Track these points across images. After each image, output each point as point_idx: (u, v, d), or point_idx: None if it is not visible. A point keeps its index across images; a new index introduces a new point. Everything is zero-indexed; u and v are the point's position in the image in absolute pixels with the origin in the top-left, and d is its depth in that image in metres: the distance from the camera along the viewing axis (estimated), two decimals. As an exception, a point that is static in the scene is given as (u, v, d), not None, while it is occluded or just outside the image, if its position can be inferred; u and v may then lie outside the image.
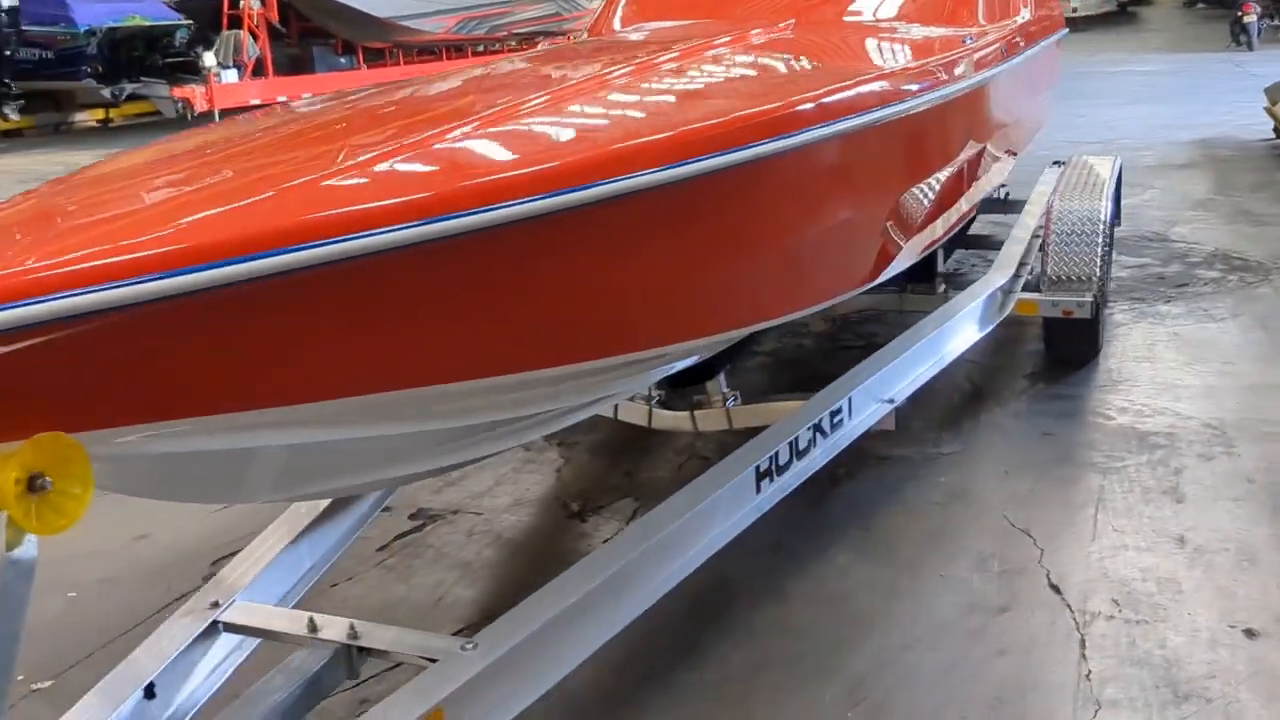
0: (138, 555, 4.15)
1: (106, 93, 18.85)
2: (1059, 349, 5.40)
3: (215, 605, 2.74)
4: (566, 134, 2.79)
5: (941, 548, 3.89)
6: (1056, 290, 5.09)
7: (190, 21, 18.34)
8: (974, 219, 6.14)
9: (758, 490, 3.40)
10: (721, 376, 4.26)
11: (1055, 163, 6.93)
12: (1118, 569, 3.67)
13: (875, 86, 3.63)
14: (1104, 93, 15.13)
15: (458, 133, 2.47)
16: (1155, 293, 6.48)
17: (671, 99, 3.35)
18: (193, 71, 17.82)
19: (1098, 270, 5.05)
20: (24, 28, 17.85)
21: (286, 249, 1.91)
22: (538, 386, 2.67)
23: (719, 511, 3.22)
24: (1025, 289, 5.25)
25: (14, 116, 18.01)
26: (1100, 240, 5.08)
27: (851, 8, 4.79)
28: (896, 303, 5.34)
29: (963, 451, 4.62)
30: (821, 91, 3.41)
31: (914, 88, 3.87)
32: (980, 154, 5.15)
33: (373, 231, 2.00)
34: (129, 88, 18.80)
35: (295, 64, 18.41)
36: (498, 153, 2.58)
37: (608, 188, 2.39)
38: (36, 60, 18.31)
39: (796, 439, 3.58)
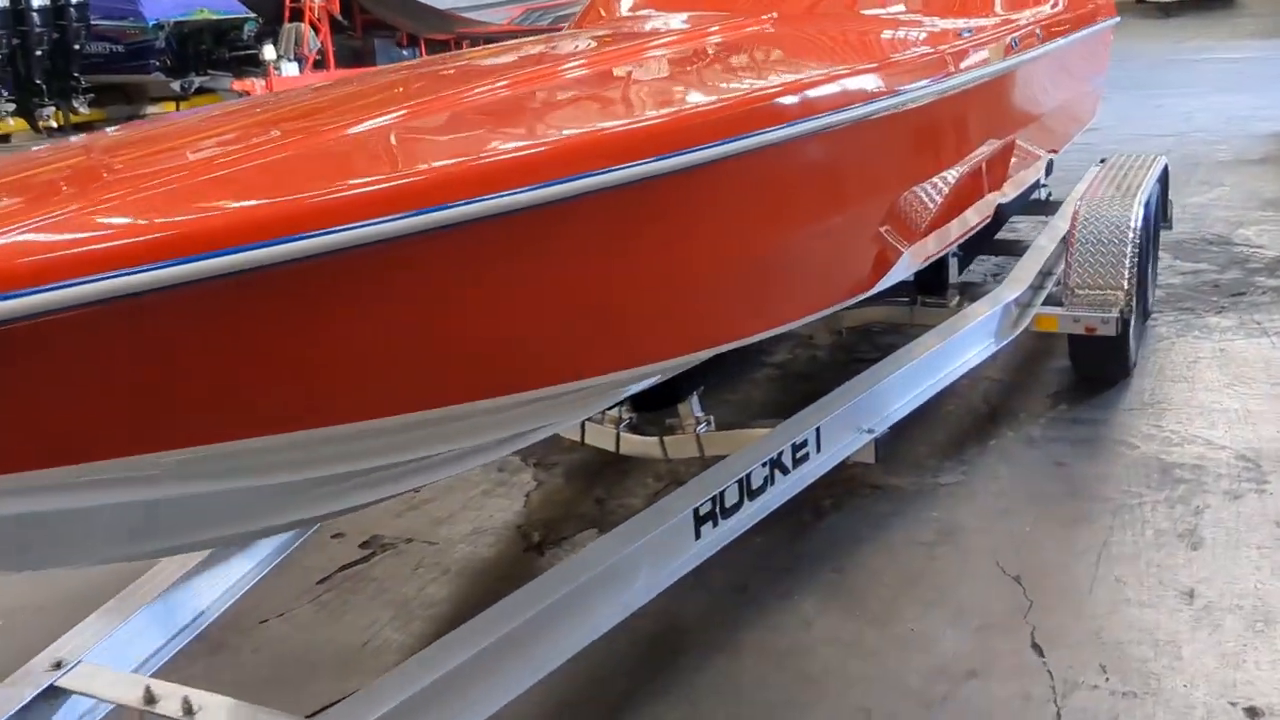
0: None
1: (175, 86, 18.99)
2: (1085, 367, 4.96)
3: (58, 666, 2.50)
4: (451, 141, 2.49)
5: (919, 596, 3.52)
6: (1079, 304, 4.65)
7: (255, 15, 18.41)
8: (1002, 222, 5.71)
9: (697, 536, 3.07)
10: (695, 399, 3.92)
11: (1102, 160, 6.46)
12: (1112, 628, 3.26)
13: (841, 85, 3.27)
14: (1186, 81, 14.37)
15: (346, 135, 2.20)
16: (1206, 302, 5.97)
17: (604, 99, 3.03)
18: (258, 64, 17.85)
19: (1125, 283, 4.59)
20: (93, 22, 18.04)
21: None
22: (429, 427, 2.37)
23: (643, 564, 2.90)
24: (1050, 301, 4.83)
25: (84, 110, 18.21)
26: (1129, 250, 4.63)
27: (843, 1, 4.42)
28: (907, 315, 4.93)
29: (963, 482, 4.22)
30: (777, 89, 3.07)
31: (892, 85, 3.49)
32: (1001, 152, 4.74)
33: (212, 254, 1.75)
34: (197, 81, 18.93)
35: (357, 56, 18.32)
36: (375, 159, 2.30)
37: (459, 210, 2.08)
38: (106, 54, 18.53)
39: (749, 477, 3.24)
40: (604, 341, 2.73)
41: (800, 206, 3.27)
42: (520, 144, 2.38)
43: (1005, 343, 4.54)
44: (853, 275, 3.79)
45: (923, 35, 4.14)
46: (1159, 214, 5.78)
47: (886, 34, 4.13)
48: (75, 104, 18.28)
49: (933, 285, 4.81)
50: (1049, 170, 6.44)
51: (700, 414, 3.91)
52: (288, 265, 1.86)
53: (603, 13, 4.72)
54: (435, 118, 2.60)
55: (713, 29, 3.81)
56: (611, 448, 4.03)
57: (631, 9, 4.58)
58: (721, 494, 3.13)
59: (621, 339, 2.78)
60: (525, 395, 2.55)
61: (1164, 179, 5.83)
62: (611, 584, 2.82)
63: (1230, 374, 5.03)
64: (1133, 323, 4.90)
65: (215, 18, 18.67)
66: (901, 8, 4.40)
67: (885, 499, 4.14)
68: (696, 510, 3.05)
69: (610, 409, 3.84)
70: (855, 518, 4.02)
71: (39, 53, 17.13)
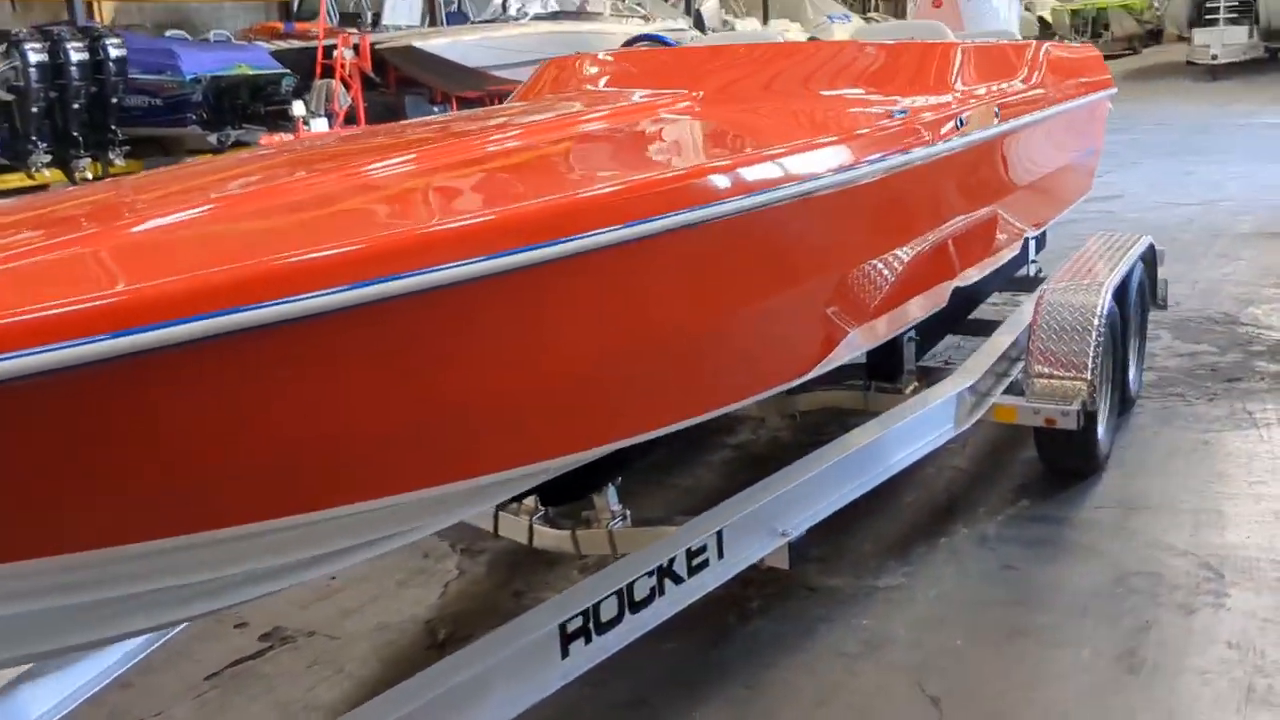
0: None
1: (212, 139, 19.22)
2: (1051, 460, 4.68)
3: None
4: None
5: (829, 717, 3.26)
6: (1039, 395, 4.39)
7: (291, 72, 18.61)
8: (977, 301, 5.48)
9: (564, 654, 2.84)
10: (612, 491, 3.70)
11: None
12: (1027, 763, 2.99)
13: (758, 165, 3.08)
14: (1222, 148, 14.02)
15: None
16: (1199, 388, 5.66)
17: (474, 184, 2.85)
18: (290, 119, 18.01)
19: (1088, 374, 4.33)
20: (131, 76, 18.30)
21: None
22: (223, 545, 2.19)
23: (495, 685, 2.68)
24: (1014, 389, 4.56)
25: (120, 162, 18.45)
26: (1094, 337, 4.36)
27: (788, 77, 4.23)
28: (861, 401, 4.69)
29: (903, 585, 3.96)
30: (681, 171, 2.90)
31: (816, 166, 3.30)
32: (964, 231, 4.51)
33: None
34: (233, 135, 19.13)
35: (390, 111, 18.44)
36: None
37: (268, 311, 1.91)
38: (144, 107, 18.79)
39: (631, 587, 3.01)
40: (469, 442, 2.54)
41: (718, 288, 3.08)
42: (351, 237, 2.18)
43: (957, 434, 4.29)
44: (784, 359, 3.59)
45: (864, 113, 3.93)
46: (1146, 295, 5.50)
47: (823, 111, 3.93)
48: (112, 156, 18.52)
49: (886, 369, 4.56)
50: (1039, 245, 6.20)
51: (616, 507, 3.69)
52: (79, 369, 1.72)
53: (550, 85, 4.59)
54: (273, 206, 2.44)
55: (633, 102, 3.65)
56: (524, 540, 3.82)
57: (577, 83, 4.43)
58: (596, 607, 2.91)
59: (490, 438, 2.59)
60: (373, 504, 2.37)
61: (1150, 258, 5.56)
62: (455, 709, 2.60)
63: (1210, 469, 4.73)
64: (1102, 414, 4.63)
65: (253, 73, 18.89)
66: (857, 87, 4.20)
67: (818, 601, 3.88)
68: (564, 626, 2.83)
69: (523, 499, 3.65)
70: (783, 623, 3.77)
71: (76, 105, 17.37)
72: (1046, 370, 4.39)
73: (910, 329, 4.43)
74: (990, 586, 3.93)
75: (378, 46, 17.21)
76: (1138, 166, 12.62)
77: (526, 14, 19.85)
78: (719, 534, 3.25)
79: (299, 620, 3.97)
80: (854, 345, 3.94)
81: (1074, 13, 32.42)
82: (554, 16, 19.64)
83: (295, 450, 2.13)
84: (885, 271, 3.91)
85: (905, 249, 4.00)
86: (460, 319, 2.34)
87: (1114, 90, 6.61)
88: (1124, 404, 5.18)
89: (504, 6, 20.38)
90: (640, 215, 2.59)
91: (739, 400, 3.52)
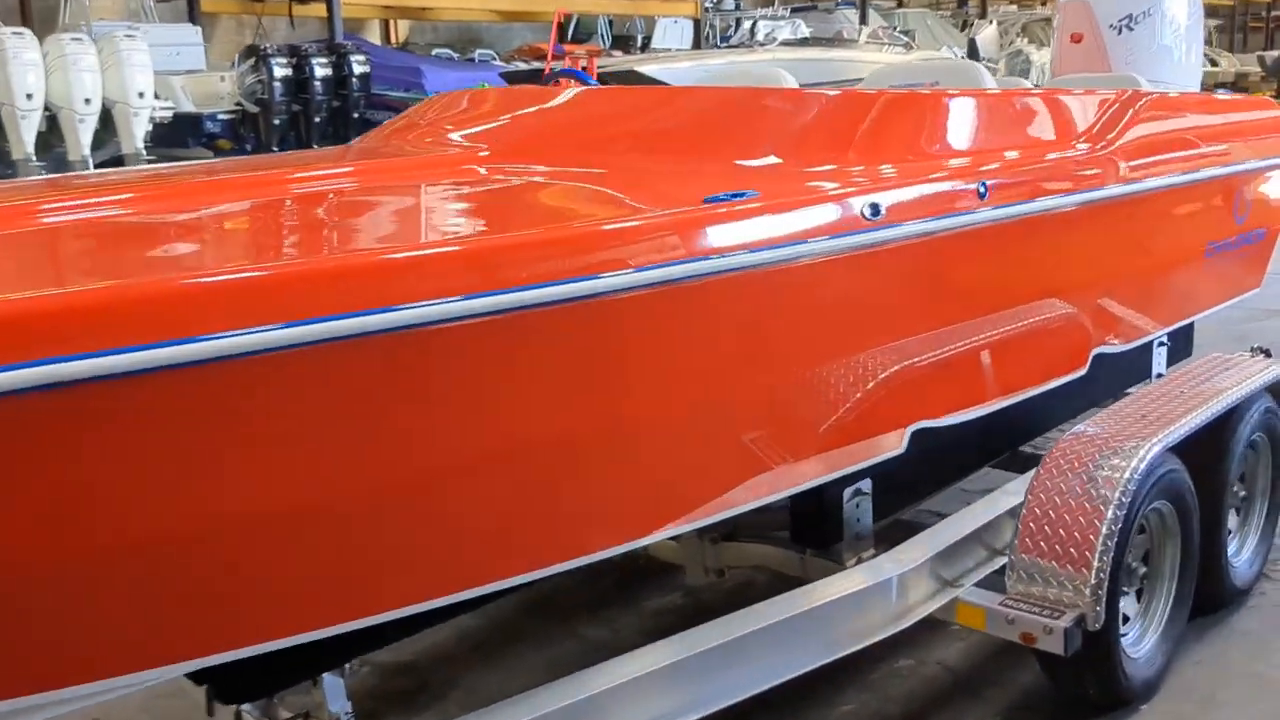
0: None
1: (450, 154, 19.39)
2: (1054, 680, 3.30)
3: None
4: None
5: None
6: (1019, 599, 3.06)
7: (526, 87, 18.57)
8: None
9: None
10: (336, 684, 2.73)
11: (1257, 349, 4.66)
12: None
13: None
14: None
15: None
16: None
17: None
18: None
19: (1090, 577, 2.96)
20: (374, 91, 18.69)
21: None
22: None
23: None
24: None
25: (356, 174, 18.84)
26: (1108, 523, 3.00)
27: (693, 132, 3.11)
28: (798, 565, 3.46)
29: None
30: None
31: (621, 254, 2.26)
32: (932, 357, 3.25)
33: None
34: (470, 151, 19.26)
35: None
36: None
37: None
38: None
39: None
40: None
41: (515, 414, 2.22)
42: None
43: (887, 635, 3.05)
44: (630, 510, 2.64)
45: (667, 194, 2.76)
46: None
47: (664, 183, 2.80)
48: (350, 168, 18.94)
49: (816, 532, 3.33)
50: (1178, 354, 4.73)
51: (337, 709, 2.71)
52: None
53: (404, 124, 3.68)
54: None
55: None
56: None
57: (430, 127, 3.48)
58: None
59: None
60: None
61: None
62: None
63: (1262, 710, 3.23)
64: (1136, 628, 3.24)
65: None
66: (765, 153, 3.00)
67: None
68: None
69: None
70: None
71: (318, 118, 17.83)
72: (1032, 561, 3.06)
73: (861, 477, 3.22)
74: None
75: (602, 70, 16.75)
76: None
77: (775, 39, 18.90)
78: None
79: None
80: (752, 494, 2.86)
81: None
82: (803, 43, 18.59)
83: None
84: (804, 395, 2.81)
85: (845, 367, 2.86)
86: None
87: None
88: (1214, 600, 3.71)
89: (751, 32, 19.54)
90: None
91: (556, 564, 2.57)
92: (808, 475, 3.02)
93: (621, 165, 2.85)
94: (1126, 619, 3.34)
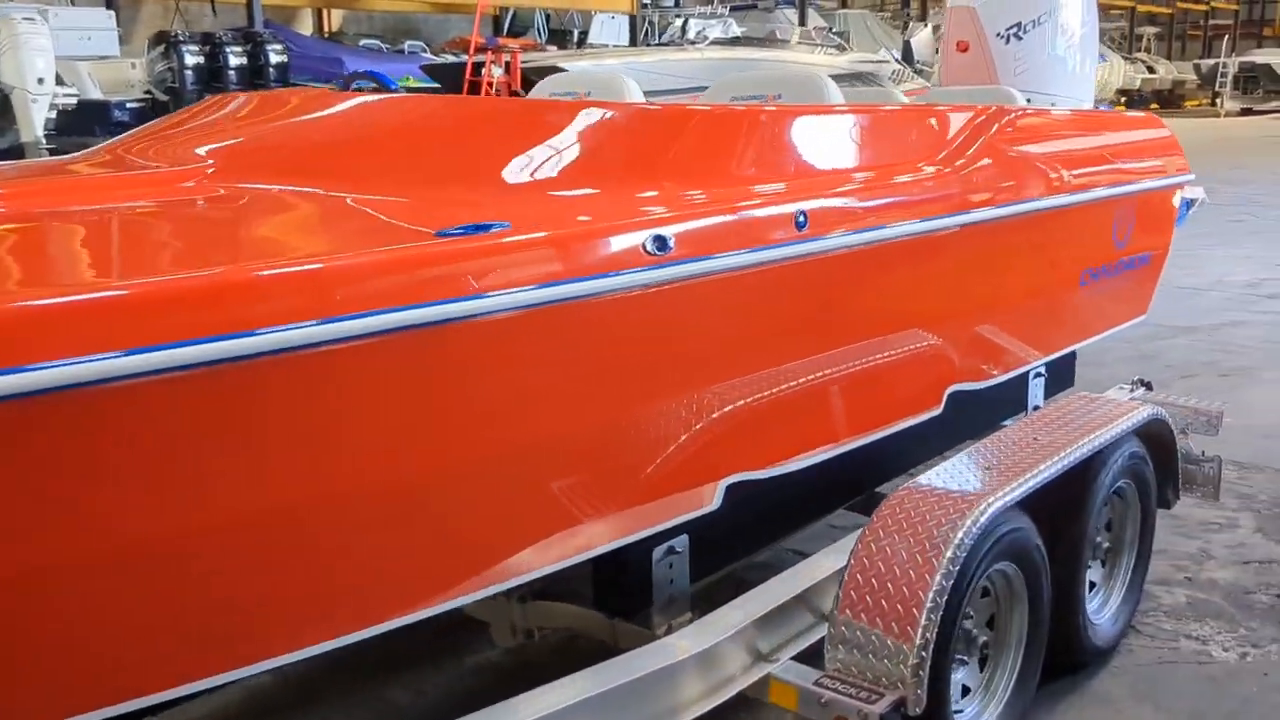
0: None
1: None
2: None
3: None
4: None
5: None
6: (835, 678, 2.72)
7: (439, 86, 18.16)
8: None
9: None
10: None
11: (1137, 381, 4.40)
12: None
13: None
14: None
15: None
16: (1240, 630, 3.77)
17: None
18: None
19: (912, 653, 2.64)
20: (294, 82, 18.35)
21: None
22: None
23: None
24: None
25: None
26: (935, 593, 2.67)
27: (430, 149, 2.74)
28: (608, 630, 3.10)
29: None
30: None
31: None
32: (752, 402, 2.91)
33: None
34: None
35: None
36: None
37: None
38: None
39: None
40: None
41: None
42: None
43: (704, 710, 2.71)
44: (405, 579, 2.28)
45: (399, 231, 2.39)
46: (1142, 495, 3.64)
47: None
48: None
49: (622, 598, 2.97)
50: (1057, 383, 4.45)
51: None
52: None
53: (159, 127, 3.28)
54: None
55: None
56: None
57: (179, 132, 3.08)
58: None
59: None
60: None
61: (1161, 437, 3.67)
62: None
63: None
64: (947, 713, 2.89)
65: (416, 85, 18.53)
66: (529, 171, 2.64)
67: None
68: None
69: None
70: None
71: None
72: (852, 630, 2.72)
73: (674, 534, 2.88)
74: None
75: (526, 65, 16.36)
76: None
77: (706, 38, 18.58)
78: None
79: None
80: (545, 557, 2.53)
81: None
82: (734, 42, 18.28)
83: None
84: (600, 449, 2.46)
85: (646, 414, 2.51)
86: None
87: (1188, 176, 4.65)
88: (1071, 662, 3.41)
89: (683, 30, 19.21)
90: None
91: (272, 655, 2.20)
92: (604, 537, 2.67)
93: (370, 186, 2.47)
94: (968, 690, 3.03)
